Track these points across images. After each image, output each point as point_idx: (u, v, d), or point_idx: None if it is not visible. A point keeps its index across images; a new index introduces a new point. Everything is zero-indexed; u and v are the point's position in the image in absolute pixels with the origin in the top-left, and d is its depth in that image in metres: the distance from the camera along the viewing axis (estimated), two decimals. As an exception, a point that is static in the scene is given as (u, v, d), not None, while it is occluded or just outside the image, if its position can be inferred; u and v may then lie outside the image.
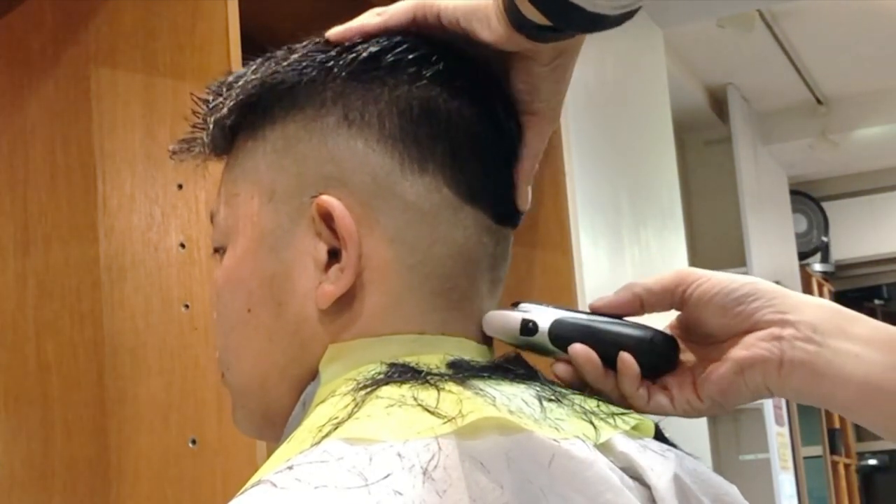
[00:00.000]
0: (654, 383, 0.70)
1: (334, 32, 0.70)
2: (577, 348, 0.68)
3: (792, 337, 0.66)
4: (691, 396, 0.69)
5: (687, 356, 0.71)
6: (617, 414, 0.68)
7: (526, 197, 0.71)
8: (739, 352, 0.68)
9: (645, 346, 0.68)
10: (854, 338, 0.66)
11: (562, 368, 0.69)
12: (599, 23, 0.62)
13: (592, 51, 2.66)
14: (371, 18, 0.69)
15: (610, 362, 0.68)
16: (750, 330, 0.68)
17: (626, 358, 0.68)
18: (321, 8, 0.74)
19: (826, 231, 5.57)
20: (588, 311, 0.71)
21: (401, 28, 0.69)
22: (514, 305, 0.70)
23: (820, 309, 0.68)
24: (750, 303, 0.68)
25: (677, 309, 0.71)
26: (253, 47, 0.73)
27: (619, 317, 0.70)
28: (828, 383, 0.66)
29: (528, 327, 0.69)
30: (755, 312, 0.68)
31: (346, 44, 0.68)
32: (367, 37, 0.69)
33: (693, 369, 0.70)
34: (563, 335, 0.69)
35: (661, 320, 0.72)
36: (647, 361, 0.68)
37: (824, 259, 5.67)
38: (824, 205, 5.66)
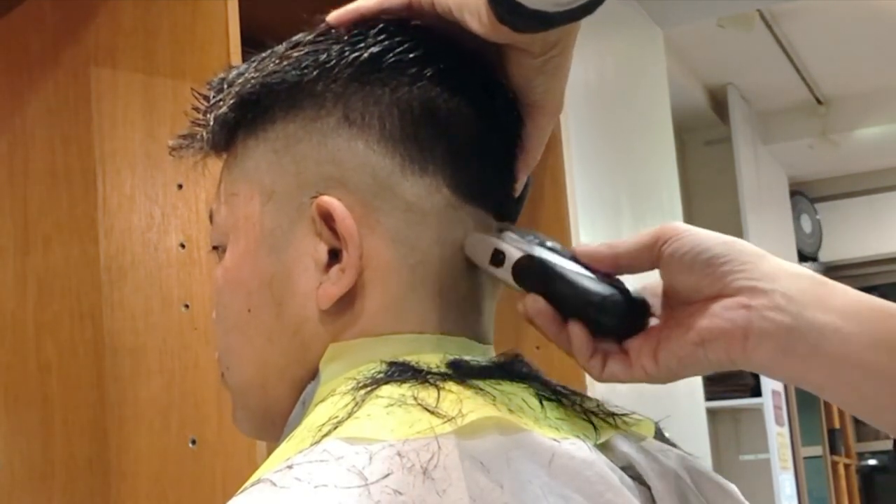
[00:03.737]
0: (618, 344, 0.65)
1: (333, 16, 0.70)
2: (529, 301, 0.65)
3: (762, 307, 0.60)
4: (648, 362, 0.64)
5: (662, 316, 0.66)
6: (617, 414, 0.68)
7: (519, 186, 0.70)
8: (702, 321, 0.62)
9: (601, 306, 0.63)
10: (834, 309, 0.60)
11: (523, 309, 0.66)
12: (544, 21, 0.62)
13: (593, 51, 2.66)
14: (368, 1, 0.69)
15: (568, 315, 0.64)
16: (718, 296, 0.62)
17: (573, 328, 0.64)
18: (321, 8, 0.73)
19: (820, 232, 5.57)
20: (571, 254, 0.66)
21: (396, 12, 0.69)
22: (501, 232, 0.67)
23: (797, 278, 0.61)
24: (720, 265, 0.62)
25: (655, 266, 0.65)
26: (253, 47, 0.73)
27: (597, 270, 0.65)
28: (799, 359, 0.60)
29: (498, 258, 0.65)
30: (724, 277, 0.62)
31: (347, 42, 0.68)
32: (363, 19, 0.69)
33: (660, 333, 0.65)
34: (525, 276, 0.65)
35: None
36: (605, 322, 0.64)
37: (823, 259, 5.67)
38: (824, 205, 5.66)
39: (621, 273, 0.66)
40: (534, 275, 0.65)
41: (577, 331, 0.64)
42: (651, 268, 0.65)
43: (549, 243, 0.66)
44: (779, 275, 0.61)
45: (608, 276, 0.65)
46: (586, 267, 0.65)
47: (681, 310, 0.64)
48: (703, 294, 0.62)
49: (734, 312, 0.61)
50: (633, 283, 0.66)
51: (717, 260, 0.62)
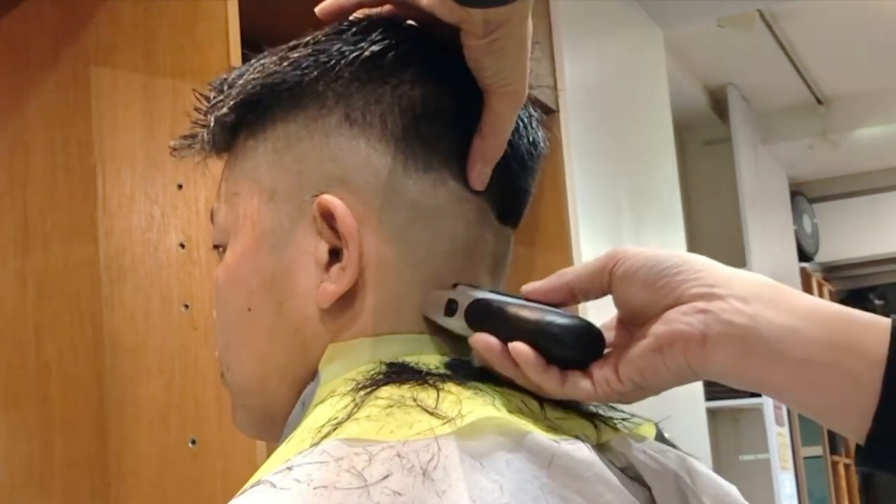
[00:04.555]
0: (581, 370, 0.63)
1: (318, 9, 0.71)
2: (477, 338, 0.63)
3: (719, 310, 0.59)
4: (612, 378, 0.62)
5: (620, 340, 0.65)
6: (617, 416, 0.68)
7: (480, 176, 0.68)
8: (659, 328, 0.61)
9: (555, 336, 0.62)
10: (792, 311, 0.59)
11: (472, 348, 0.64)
12: None
13: (593, 50, 2.66)
14: None
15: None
16: (673, 305, 0.60)
17: (516, 347, 0.62)
18: (321, 8, 0.74)
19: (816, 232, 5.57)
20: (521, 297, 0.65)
21: (372, 3, 0.70)
22: (455, 287, 0.66)
23: (752, 283, 0.60)
24: (674, 275, 0.61)
25: (607, 291, 0.64)
26: (253, 47, 0.73)
27: (553, 304, 0.64)
28: (759, 361, 0.59)
29: (451, 308, 0.65)
30: (679, 286, 0.60)
31: (347, 42, 0.68)
32: (343, 11, 0.70)
33: (618, 350, 0.63)
34: (477, 318, 0.64)
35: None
36: (560, 352, 0.62)
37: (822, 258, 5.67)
38: (824, 205, 5.66)
39: (575, 302, 0.65)
40: (486, 316, 0.64)
41: (521, 349, 0.62)
42: (603, 293, 0.65)
43: (501, 293, 0.66)
44: (733, 280, 0.60)
45: (552, 311, 0.63)
46: (539, 303, 0.64)
47: (638, 327, 0.63)
48: (658, 307, 0.61)
49: (691, 317, 0.60)
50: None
51: (670, 270, 0.61)
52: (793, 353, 0.58)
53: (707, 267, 0.61)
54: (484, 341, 0.63)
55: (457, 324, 0.65)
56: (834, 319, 0.59)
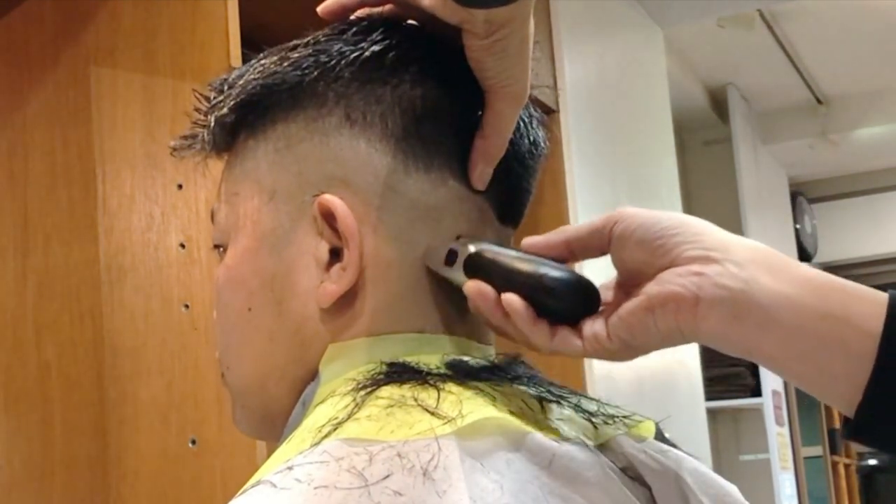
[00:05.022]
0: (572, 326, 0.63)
1: (321, 8, 0.71)
2: (471, 285, 0.63)
3: (715, 273, 0.58)
4: (601, 334, 0.61)
5: (616, 301, 0.64)
6: (617, 416, 0.68)
7: (481, 176, 0.68)
8: (653, 287, 0.60)
9: (550, 288, 0.61)
10: (787, 279, 0.59)
11: (466, 294, 0.64)
12: None
13: (593, 50, 2.66)
14: None
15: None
16: (669, 266, 0.60)
17: (508, 298, 0.62)
18: (321, 8, 0.74)
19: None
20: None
21: (373, 2, 0.70)
22: (458, 239, 0.66)
23: (750, 248, 0.60)
24: (671, 237, 0.60)
25: (606, 250, 0.64)
26: (253, 47, 0.73)
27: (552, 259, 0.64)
28: (752, 327, 0.58)
29: (451, 258, 0.65)
30: (676, 247, 0.60)
31: (347, 42, 0.68)
32: (345, 10, 0.71)
33: (611, 307, 0.63)
34: (475, 269, 0.64)
35: None
36: (553, 305, 0.62)
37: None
38: (824, 205, 5.66)
39: (574, 259, 0.65)
40: (483, 266, 0.64)
41: (513, 300, 0.62)
42: (602, 252, 0.64)
43: (504, 247, 0.66)
44: (731, 244, 0.60)
45: (548, 264, 0.63)
46: (538, 256, 0.64)
47: (633, 287, 0.62)
48: (654, 267, 0.61)
49: (685, 279, 0.59)
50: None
51: (668, 231, 0.61)
52: (786, 321, 0.58)
53: (705, 230, 0.61)
54: (477, 289, 0.63)
55: (455, 273, 0.65)
56: (829, 289, 0.59)
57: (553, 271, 0.62)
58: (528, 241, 0.65)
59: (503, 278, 0.63)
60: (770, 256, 0.60)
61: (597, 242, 0.64)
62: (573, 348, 0.62)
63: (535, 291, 0.62)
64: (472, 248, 0.65)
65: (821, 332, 0.57)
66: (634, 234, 0.62)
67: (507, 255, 0.64)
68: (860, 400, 0.57)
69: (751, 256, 0.59)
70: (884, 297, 0.58)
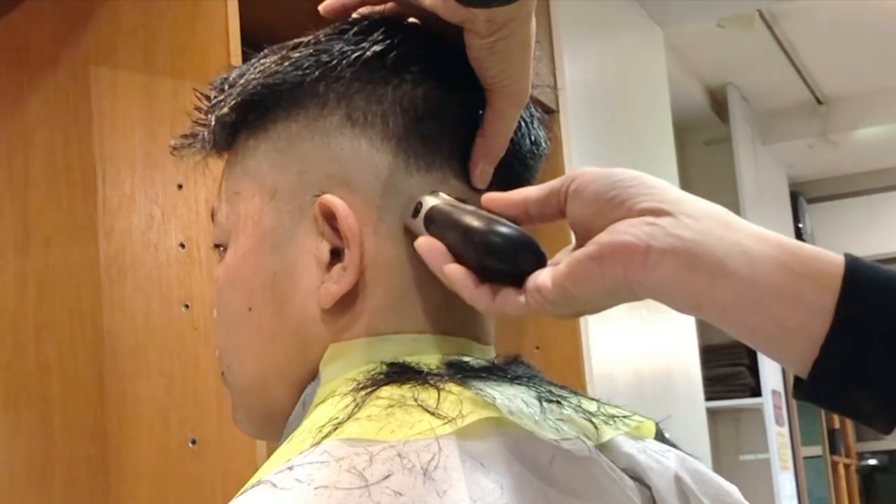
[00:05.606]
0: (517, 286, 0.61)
1: (322, 6, 0.71)
2: (420, 240, 0.63)
3: (668, 224, 0.56)
4: (545, 286, 0.59)
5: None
6: (618, 416, 0.68)
7: (482, 175, 0.68)
8: (604, 237, 0.58)
9: (487, 243, 0.61)
10: (742, 231, 0.57)
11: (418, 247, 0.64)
12: None
13: (593, 50, 2.66)
14: None
15: (464, 259, 0.62)
16: (623, 218, 0.58)
17: (448, 269, 0.62)
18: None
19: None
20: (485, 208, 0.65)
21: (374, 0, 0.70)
22: (434, 193, 0.66)
23: (707, 205, 0.58)
24: (626, 188, 0.59)
25: (563, 210, 0.62)
26: (253, 47, 0.73)
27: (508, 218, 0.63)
28: (703, 276, 0.56)
29: (417, 210, 0.65)
30: (630, 199, 0.58)
31: (348, 41, 0.68)
32: (346, 9, 0.71)
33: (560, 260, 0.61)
34: (431, 222, 0.64)
35: None
36: (493, 263, 0.61)
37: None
38: (824, 205, 5.66)
39: (531, 221, 0.64)
40: (438, 221, 0.64)
41: (451, 270, 0.62)
42: (560, 212, 0.62)
43: (468, 206, 0.65)
44: (686, 199, 0.58)
45: (497, 221, 0.62)
46: (496, 215, 0.63)
47: (586, 242, 0.60)
48: (607, 219, 0.59)
49: (637, 228, 0.57)
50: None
51: (623, 183, 0.59)
52: (741, 270, 0.55)
53: (660, 184, 0.59)
54: (427, 245, 0.63)
55: (416, 225, 0.65)
56: (787, 243, 0.57)
57: (500, 228, 0.61)
58: (488, 196, 0.65)
59: (453, 233, 0.63)
60: (726, 213, 0.58)
61: (554, 202, 0.62)
62: (515, 305, 0.60)
63: (479, 248, 0.61)
64: (432, 202, 0.64)
65: (777, 284, 0.55)
66: (589, 187, 0.60)
67: (460, 212, 0.63)
68: (816, 356, 0.55)
69: (706, 210, 0.58)
70: (840, 257, 0.56)
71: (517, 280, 0.61)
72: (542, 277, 0.60)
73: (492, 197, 0.64)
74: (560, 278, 0.59)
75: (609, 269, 0.57)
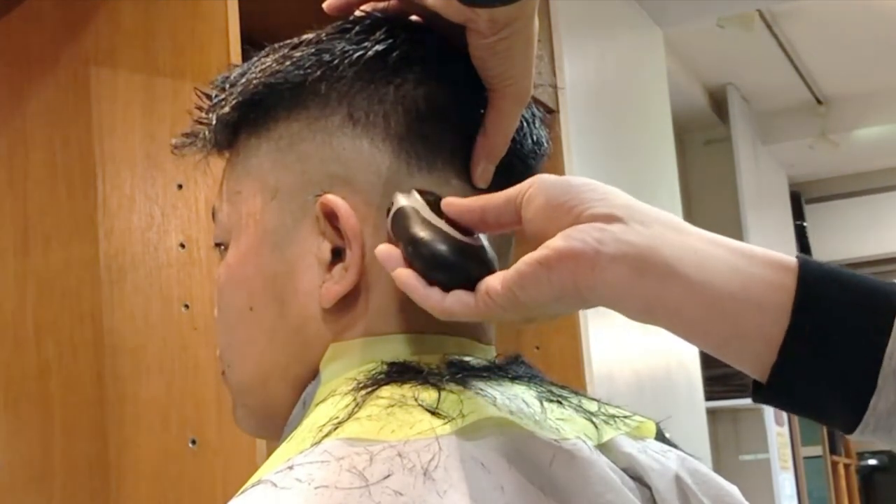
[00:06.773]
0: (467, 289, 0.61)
1: (326, 4, 0.71)
2: (379, 248, 0.63)
3: (619, 231, 0.56)
4: (494, 288, 0.59)
5: None
6: (618, 416, 0.68)
7: (483, 174, 0.68)
8: (554, 242, 0.57)
9: (431, 256, 0.61)
10: (693, 235, 0.56)
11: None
12: None
13: (593, 51, 2.66)
14: None
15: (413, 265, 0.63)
16: (574, 224, 0.58)
17: (398, 274, 0.62)
18: (321, 8, 0.73)
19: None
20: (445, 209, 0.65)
21: None
22: (408, 193, 0.66)
23: (658, 212, 0.58)
24: (577, 194, 0.58)
25: (519, 220, 0.61)
26: (253, 47, 0.73)
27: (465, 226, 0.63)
28: (654, 281, 0.55)
29: (388, 208, 0.65)
30: (581, 205, 0.58)
31: (350, 41, 0.68)
32: (350, 6, 0.71)
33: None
34: (393, 224, 0.64)
35: None
36: (438, 275, 0.62)
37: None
38: (824, 204, 5.66)
39: (488, 229, 0.64)
40: (397, 224, 0.64)
41: (401, 275, 0.62)
42: (516, 221, 0.62)
43: (436, 208, 0.64)
44: (636, 206, 0.58)
45: (468, 232, 0.63)
46: (454, 224, 0.63)
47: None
48: (559, 225, 0.58)
49: (586, 234, 0.56)
50: None
51: (576, 189, 0.59)
52: (692, 275, 0.55)
53: (612, 191, 0.59)
54: (385, 252, 0.63)
55: (387, 225, 0.65)
56: (738, 246, 0.56)
57: (439, 244, 0.62)
58: (447, 201, 0.64)
59: (405, 241, 0.63)
60: (677, 219, 0.58)
61: (511, 209, 0.61)
62: (464, 308, 0.60)
63: (421, 259, 0.62)
64: (401, 203, 0.64)
65: (730, 286, 0.54)
66: (542, 194, 0.59)
67: (414, 220, 0.63)
68: (776, 357, 0.54)
69: (656, 216, 0.57)
70: (792, 258, 0.55)
71: (465, 287, 0.61)
72: (492, 281, 0.60)
73: (451, 202, 0.64)
74: (509, 282, 0.58)
75: (557, 274, 0.57)
